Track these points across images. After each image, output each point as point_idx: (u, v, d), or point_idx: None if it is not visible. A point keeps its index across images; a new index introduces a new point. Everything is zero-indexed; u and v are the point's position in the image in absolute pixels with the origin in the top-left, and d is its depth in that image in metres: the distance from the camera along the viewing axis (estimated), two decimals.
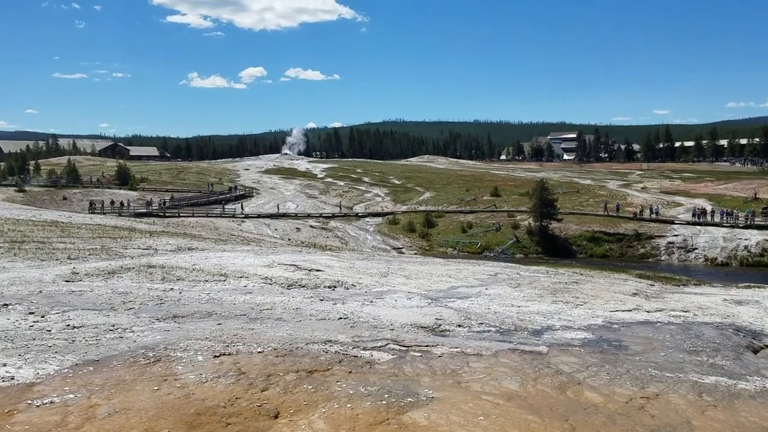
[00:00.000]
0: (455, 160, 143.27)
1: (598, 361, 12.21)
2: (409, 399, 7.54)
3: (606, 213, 46.16)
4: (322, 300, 14.16)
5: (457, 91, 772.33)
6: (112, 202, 60.60)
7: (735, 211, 45.05)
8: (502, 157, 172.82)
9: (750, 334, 16.32)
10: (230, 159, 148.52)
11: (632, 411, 9.54)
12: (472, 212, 51.50)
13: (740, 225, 41.15)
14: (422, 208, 54.92)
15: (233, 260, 20.17)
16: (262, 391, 7.43)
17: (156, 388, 7.17)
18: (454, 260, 30.63)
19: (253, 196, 74.06)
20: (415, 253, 38.23)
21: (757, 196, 57.49)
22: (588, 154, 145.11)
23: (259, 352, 8.92)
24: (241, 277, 16.45)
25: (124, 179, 79.52)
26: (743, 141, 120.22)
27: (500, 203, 55.55)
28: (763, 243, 37.19)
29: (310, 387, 7.68)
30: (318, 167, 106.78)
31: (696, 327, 16.29)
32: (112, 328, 9.93)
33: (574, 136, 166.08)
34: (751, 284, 25.80)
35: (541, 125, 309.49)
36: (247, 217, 55.54)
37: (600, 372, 11.81)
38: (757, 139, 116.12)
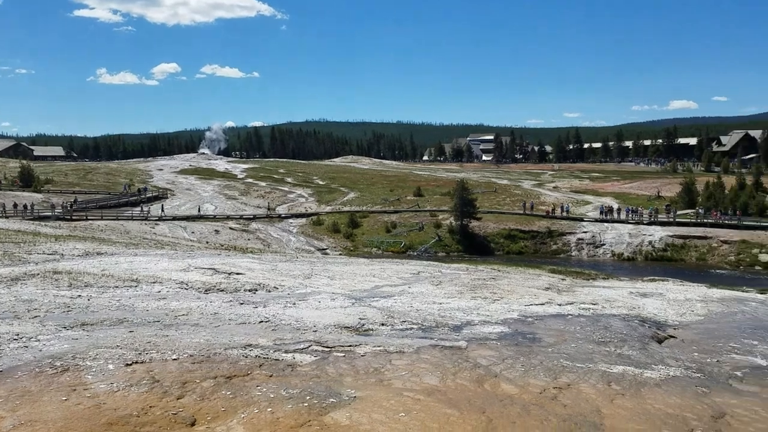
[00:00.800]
0: (379, 160, 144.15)
1: (513, 354, 12.64)
2: (332, 400, 7.53)
3: (524, 212, 47.86)
4: (242, 304, 13.86)
5: (380, 92, 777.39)
6: (15, 205, 56.88)
7: (639, 208, 47.79)
8: (425, 157, 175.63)
9: (655, 325, 17.37)
10: (142, 159, 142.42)
11: (545, 401, 9.75)
12: (396, 212, 52.03)
13: (644, 222, 43.70)
14: (347, 208, 54.93)
15: (146, 265, 19.40)
16: (178, 398, 7.19)
17: (64, 398, 6.80)
18: (378, 260, 30.82)
19: (167, 198, 71.47)
20: (340, 254, 38.19)
21: (660, 194, 61.25)
22: (505, 155, 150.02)
23: (174, 359, 8.63)
24: (154, 283, 15.84)
25: (27, 181, 74.78)
26: (647, 142, 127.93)
27: (423, 203, 56.44)
28: (666, 238, 39.63)
29: (228, 393, 7.50)
30: (238, 167, 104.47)
31: (604, 319, 17.17)
32: (16, 337, 9.37)
33: (491, 137, 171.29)
34: (655, 278, 27.45)
35: (460, 127, 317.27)
36: (161, 219, 53.54)
37: (515, 364, 12.16)
38: (660, 141, 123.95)
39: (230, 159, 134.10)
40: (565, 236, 41.77)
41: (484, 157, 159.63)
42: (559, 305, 18.98)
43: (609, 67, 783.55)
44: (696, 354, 13.38)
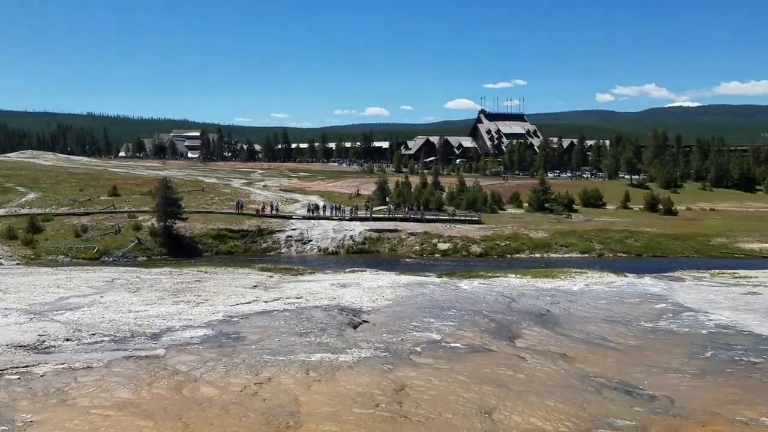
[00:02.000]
0: (66, 156, 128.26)
1: (216, 356, 12.46)
2: (3, 428, 6.56)
3: (236, 211, 47.52)
4: None
5: (66, 78, 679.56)
6: None
7: (342, 205, 51.46)
8: (122, 153, 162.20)
9: (351, 312, 18.85)
10: None
11: (246, 398, 10.13)
12: (87, 214, 46.77)
13: (346, 218, 47.15)
14: (25, 210, 47.53)
15: None
16: None
17: None
18: (65, 268, 27.46)
19: None
20: (18, 264, 32.96)
21: (360, 192, 66.95)
22: (213, 152, 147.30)
23: None
24: None
25: None
26: (348, 144, 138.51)
27: (120, 203, 51.96)
28: (365, 233, 43.31)
29: None
30: None
31: (308, 311, 18.05)
32: None
33: (198, 134, 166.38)
34: (355, 269, 29.79)
35: (163, 122, 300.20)
36: None
37: (217, 366, 12.08)
38: (359, 143, 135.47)
39: None
40: (275, 234, 42.70)
41: (190, 155, 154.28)
42: (266, 302, 19.35)
43: (312, 71, 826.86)
44: (384, 335, 14.90)
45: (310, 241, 42.19)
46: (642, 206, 58.64)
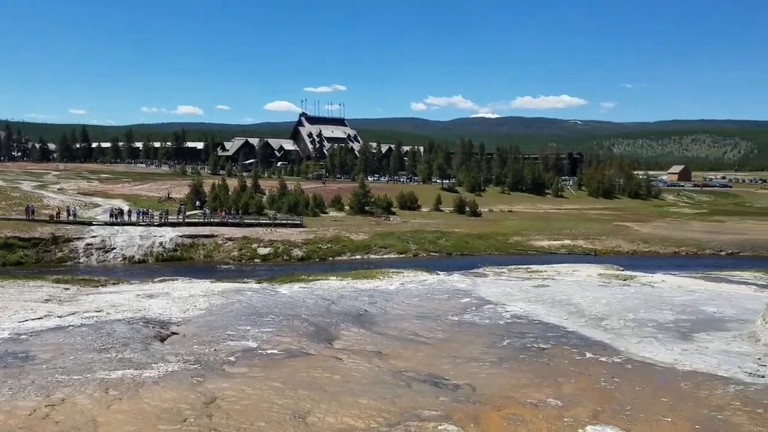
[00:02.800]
0: None
1: (0, 378, 10.95)
2: None
3: (27, 217, 42.16)
4: None
5: None
6: None
7: (150, 210, 48.09)
8: None
9: (159, 324, 17.63)
10: None
11: (35, 422, 8.99)
12: None
13: (155, 223, 44.15)
14: None
15: None
16: None
17: None
18: None
19: None
20: None
21: (171, 195, 63.14)
22: None
23: None
24: None
25: None
26: (157, 144, 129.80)
27: None
28: (177, 239, 40.89)
29: None
30: None
31: (108, 325, 16.52)
32: None
33: None
34: (166, 278, 27.96)
35: None
36: None
37: (2, 389, 10.61)
38: (170, 143, 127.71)
39: None
40: (72, 242, 38.63)
41: None
42: (60, 317, 17.38)
43: (118, 65, 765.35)
44: (196, 346, 14.12)
45: (114, 249, 38.88)
46: (452, 208, 62.99)
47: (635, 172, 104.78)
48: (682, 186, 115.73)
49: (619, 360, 12.96)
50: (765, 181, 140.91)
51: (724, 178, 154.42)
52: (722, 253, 42.77)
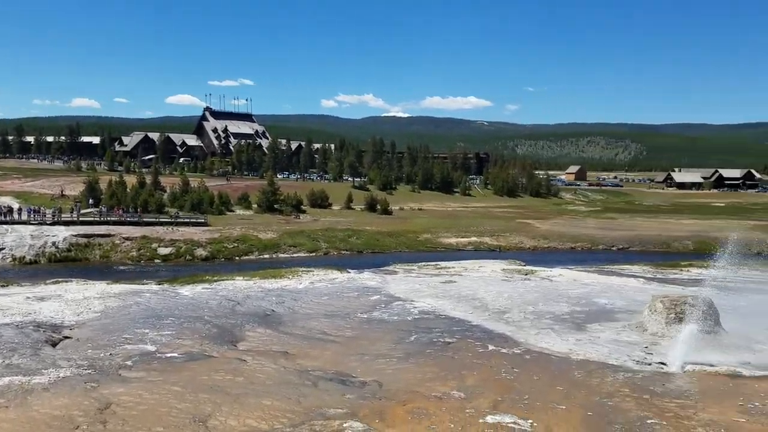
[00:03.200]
0: None
1: None
2: None
3: None
4: None
5: None
6: None
7: (42, 208, 45.09)
8: None
9: (51, 328, 16.52)
10: None
11: None
12: None
13: (48, 222, 41.45)
14: None
15: None
16: None
17: None
18: None
19: None
20: None
21: (64, 193, 59.32)
22: None
23: None
24: None
25: None
26: (50, 139, 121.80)
27: None
28: (71, 238, 38.51)
29: None
30: None
31: None
32: None
33: None
34: (59, 279, 26.23)
35: None
36: None
37: None
38: (64, 138, 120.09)
39: None
40: None
41: None
42: None
43: (7, 53, 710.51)
44: (90, 351, 13.36)
45: (2, 249, 36.18)
46: (363, 206, 63.24)
47: (536, 172, 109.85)
48: (579, 185, 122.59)
49: (518, 351, 13.50)
50: (653, 180, 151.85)
51: (615, 177, 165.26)
52: (614, 249, 45.51)
